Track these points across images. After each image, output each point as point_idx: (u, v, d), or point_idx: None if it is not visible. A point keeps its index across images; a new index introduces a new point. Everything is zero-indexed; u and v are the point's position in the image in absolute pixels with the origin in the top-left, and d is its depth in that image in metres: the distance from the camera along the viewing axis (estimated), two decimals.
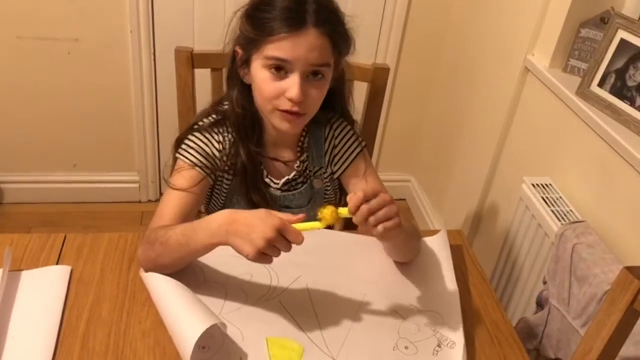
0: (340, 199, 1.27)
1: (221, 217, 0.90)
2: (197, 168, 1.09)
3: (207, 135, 1.11)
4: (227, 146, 1.11)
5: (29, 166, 2.32)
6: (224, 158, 1.12)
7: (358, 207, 0.86)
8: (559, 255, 1.31)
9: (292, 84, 0.99)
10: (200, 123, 1.12)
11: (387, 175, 2.51)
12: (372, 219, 0.86)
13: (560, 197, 1.47)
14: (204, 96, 1.38)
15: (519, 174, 1.63)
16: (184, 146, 1.10)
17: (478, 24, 2.04)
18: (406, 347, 0.95)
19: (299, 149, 1.17)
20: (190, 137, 1.11)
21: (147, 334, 0.92)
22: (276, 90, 1.01)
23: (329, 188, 1.22)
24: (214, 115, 1.13)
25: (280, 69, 1.00)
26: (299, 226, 0.87)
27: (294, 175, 1.17)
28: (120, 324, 0.94)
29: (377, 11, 2.20)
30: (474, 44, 2.06)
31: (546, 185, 1.51)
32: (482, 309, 1.06)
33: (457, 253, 1.18)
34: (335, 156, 1.18)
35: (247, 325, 0.94)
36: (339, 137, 1.17)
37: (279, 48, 0.98)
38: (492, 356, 0.97)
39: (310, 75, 1.01)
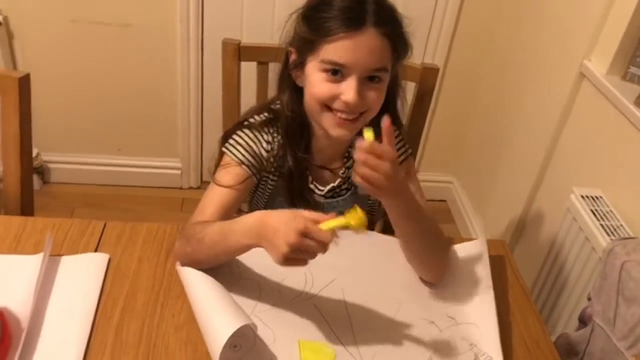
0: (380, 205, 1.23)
1: (253, 219, 0.89)
2: (244, 166, 1.06)
3: (257, 133, 1.08)
4: (276, 147, 1.09)
5: (75, 148, 2.37)
6: (271, 159, 1.09)
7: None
8: (607, 272, 1.25)
9: (348, 88, 0.95)
10: (252, 120, 1.10)
11: (428, 176, 2.47)
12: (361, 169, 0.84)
13: (611, 211, 1.41)
14: (249, 89, 1.38)
15: (567, 183, 1.57)
16: (232, 142, 1.08)
17: (532, 26, 1.97)
18: None
19: (346, 155, 1.14)
20: (240, 133, 1.08)
21: (180, 329, 0.92)
22: (331, 92, 0.97)
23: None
24: (265, 114, 1.10)
25: (336, 72, 0.96)
26: (324, 225, 0.83)
27: (339, 182, 1.14)
28: (154, 317, 0.94)
29: (428, 9, 2.15)
30: (527, 46, 1.99)
31: (596, 197, 1.46)
32: (522, 325, 1.03)
33: (499, 264, 1.14)
34: None
35: (279, 326, 0.93)
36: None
37: (336, 50, 0.94)
38: None
39: (367, 79, 0.97)
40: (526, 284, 1.13)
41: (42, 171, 2.39)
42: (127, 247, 1.07)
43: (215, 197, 1.04)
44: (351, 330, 0.95)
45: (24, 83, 1.12)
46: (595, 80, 1.55)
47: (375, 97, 0.99)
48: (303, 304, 0.98)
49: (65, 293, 0.95)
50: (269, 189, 1.15)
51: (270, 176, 1.13)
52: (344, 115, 0.99)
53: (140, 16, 2.09)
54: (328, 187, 1.14)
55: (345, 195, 1.16)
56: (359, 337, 0.94)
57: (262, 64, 1.35)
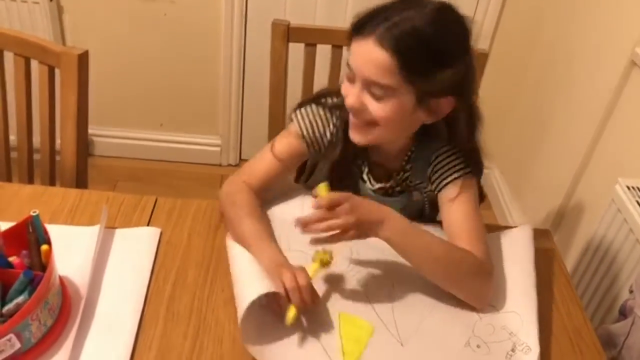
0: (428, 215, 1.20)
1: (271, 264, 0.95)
2: (303, 141, 1.08)
3: (329, 115, 1.08)
4: (336, 134, 1.08)
5: (119, 122, 2.42)
6: (329, 145, 1.09)
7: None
8: None
9: (352, 90, 0.96)
10: (329, 100, 1.09)
11: None
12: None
13: None
14: (296, 70, 1.39)
15: (613, 174, 1.55)
16: (303, 113, 1.08)
17: (580, 11, 1.93)
18: (478, 346, 0.93)
19: (406, 157, 1.11)
20: (313, 108, 1.09)
21: (229, 302, 0.95)
22: (344, 91, 0.98)
23: (427, 204, 1.16)
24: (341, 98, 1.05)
25: (352, 74, 0.96)
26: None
27: (391, 184, 1.13)
28: (204, 290, 0.97)
29: None
30: (575, 32, 1.95)
31: None
32: (565, 315, 1.03)
33: (544, 254, 1.14)
34: (434, 173, 1.09)
35: (322, 298, 0.96)
36: (443, 155, 1.09)
37: (351, 51, 0.95)
38: None
39: (370, 90, 0.94)
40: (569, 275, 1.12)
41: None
42: (178, 222, 1.10)
43: (267, 165, 1.09)
44: (391, 310, 0.96)
45: (83, 60, 1.16)
46: None
47: (377, 111, 0.95)
48: (347, 278, 1.00)
49: (120, 264, 0.99)
50: (319, 166, 1.17)
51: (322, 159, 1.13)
52: (352, 118, 1.00)
53: None
54: (378, 185, 1.13)
55: (397, 197, 1.14)
56: (398, 317, 0.95)
57: (310, 46, 1.35)
